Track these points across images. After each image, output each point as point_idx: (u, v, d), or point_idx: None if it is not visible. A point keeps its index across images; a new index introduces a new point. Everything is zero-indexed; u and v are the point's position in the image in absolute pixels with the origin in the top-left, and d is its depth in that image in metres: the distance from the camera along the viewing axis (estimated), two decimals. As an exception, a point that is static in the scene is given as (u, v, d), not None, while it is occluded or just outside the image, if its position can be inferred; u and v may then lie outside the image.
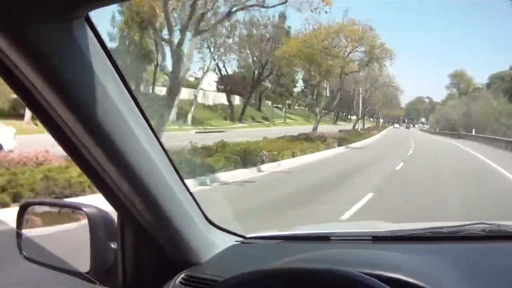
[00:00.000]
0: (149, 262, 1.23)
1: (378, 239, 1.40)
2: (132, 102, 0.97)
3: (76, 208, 1.27)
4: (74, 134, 0.90)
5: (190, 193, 1.22)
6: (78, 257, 1.25)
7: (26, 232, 1.28)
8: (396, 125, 60.35)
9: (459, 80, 51.68)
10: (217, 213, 1.59)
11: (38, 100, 0.85)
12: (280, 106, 42.52)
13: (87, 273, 1.19)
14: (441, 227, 1.41)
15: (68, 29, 0.77)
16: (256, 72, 33.64)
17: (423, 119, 64.75)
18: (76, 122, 0.87)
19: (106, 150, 0.93)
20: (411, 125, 63.07)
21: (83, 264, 1.20)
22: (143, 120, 1.01)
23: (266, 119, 37.35)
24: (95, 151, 0.93)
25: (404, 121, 63.58)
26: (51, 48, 0.76)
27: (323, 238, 1.46)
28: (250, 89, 35.55)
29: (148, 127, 1.02)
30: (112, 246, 1.20)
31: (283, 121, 38.16)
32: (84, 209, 1.20)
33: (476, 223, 1.40)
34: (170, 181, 1.11)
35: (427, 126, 57.40)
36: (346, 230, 1.69)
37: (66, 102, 0.83)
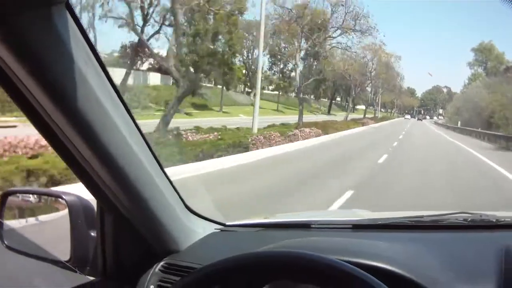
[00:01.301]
0: (129, 250, 1.23)
1: (358, 227, 1.40)
2: (113, 91, 0.97)
3: (57, 196, 1.27)
4: (54, 122, 0.90)
5: (170, 181, 1.22)
6: (59, 245, 1.26)
7: (7, 221, 1.30)
8: (407, 116, 53.56)
9: (486, 55, 38.44)
10: (197, 202, 1.58)
11: (17, 87, 0.84)
12: (250, 90, 31.33)
13: (67, 261, 1.19)
14: (422, 216, 1.41)
15: (48, 16, 0.76)
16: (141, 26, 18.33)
17: (440, 110, 56.00)
18: (55, 110, 0.87)
19: (86, 138, 0.93)
20: (427, 116, 56.42)
21: (64, 252, 1.20)
22: (123, 109, 1.01)
23: (203, 106, 27.28)
24: (75, 138, 0.93)
25: (420, 112, 57.91)
26: (31, 35, 0.75)
27: (304, 226, 1.47)
28: (132, 58, 22.46)
29: (128, 116, 1.02)
30: (93, 234, 1.20)
31: (238, 109, 28.34)
32: (65, 197, 1.21)
33: (458, 213, 1.40)
34: (150, 169, 1.11)
35: (446, 119, 44.59)
36: (327, 218, 1.68)
37: (45, 90, 0.83)
